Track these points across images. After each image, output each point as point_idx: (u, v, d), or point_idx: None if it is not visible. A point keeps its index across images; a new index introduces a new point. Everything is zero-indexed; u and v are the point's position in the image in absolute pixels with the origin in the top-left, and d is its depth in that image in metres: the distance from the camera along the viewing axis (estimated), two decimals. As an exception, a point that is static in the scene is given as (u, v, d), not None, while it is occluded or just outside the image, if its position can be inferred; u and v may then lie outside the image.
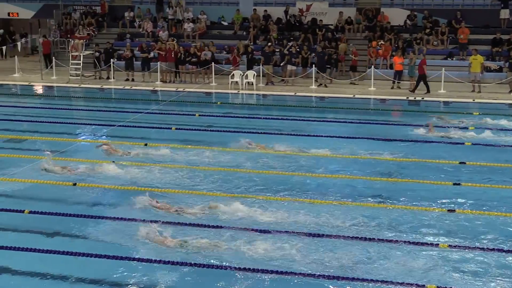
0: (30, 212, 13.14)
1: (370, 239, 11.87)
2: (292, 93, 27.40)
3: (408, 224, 12.68)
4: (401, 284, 10.18)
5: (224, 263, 10.94)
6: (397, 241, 11.80)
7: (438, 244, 11.71)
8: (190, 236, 11.80)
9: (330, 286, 10.22)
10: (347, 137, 19.33)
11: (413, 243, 11.74)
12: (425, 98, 25.88)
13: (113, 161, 16.34)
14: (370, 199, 14.11)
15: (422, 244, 11.71)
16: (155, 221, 12.22)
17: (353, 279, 10.32)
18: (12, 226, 12.68)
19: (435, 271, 10.74)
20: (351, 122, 21.74)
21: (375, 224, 12.63)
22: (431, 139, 19.08)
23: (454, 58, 30.31)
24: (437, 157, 17.02)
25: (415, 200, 14.00)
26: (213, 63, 29.43)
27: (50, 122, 21.35)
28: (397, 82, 27.88)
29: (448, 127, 20.28)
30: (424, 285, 10.14)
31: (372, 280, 10.29)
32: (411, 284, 10.17)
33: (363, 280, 10.29)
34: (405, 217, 13.00)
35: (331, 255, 11.26)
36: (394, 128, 20.68)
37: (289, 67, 29.36)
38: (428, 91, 26.62)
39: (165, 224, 12.29)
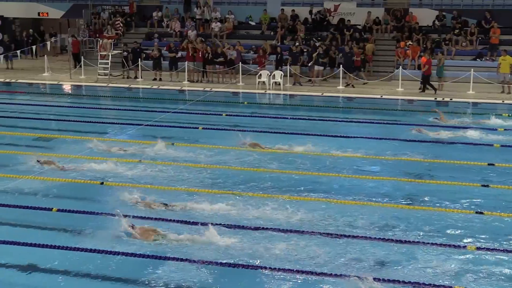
0: (58, 210, 13.26)
1: (397, 241, 11.78)
2: (319, 93, 27.33)
3: (435, 225, 12.56)
4: (428, 285, 10.10)
5: (248, 262, 10.92)
6: (424, 242, 11.71)
7: (466, 246, 11.60)
8: (218, 236, 11.78)
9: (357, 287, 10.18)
10: (374, 138, 19.26)
11: (441, 245, 11.64)
12: (453, 99, 25.66)
13: (140, 160, 16.51)
14: (397, 200, 14.01)
15: (450, 246, 11.59)
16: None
17: (379, 280, 10.24)
18: (40, 224, 12.79)
19: (463, 273, 10.62)
20: (378, 123, 21.62)
21: (403, 225, 12.54)
22: (459, 140, 18.90)
23: (483, 59, 29.99)
24: (465, 159, 16.85)
25: (443, 201, 13.86)
26: (240, 63, 29.47)
27: (78, 121, 21.53)
28: (425, 83, 27.68)
29: (477, 128, 20.07)
30: (451, 287, 10.05)
31: (399, 281, 10.22)
32: (438, 286, 10.08)
33: (390, 281, 10.21)
34: (432, 219, 12.89)
35: (357, 256, 11.21)
36: (422, 129, 20.43)
37: (316, 67, 29.27)
38: (434, 90, 26.61)
39: (182, 223, 12.46)
